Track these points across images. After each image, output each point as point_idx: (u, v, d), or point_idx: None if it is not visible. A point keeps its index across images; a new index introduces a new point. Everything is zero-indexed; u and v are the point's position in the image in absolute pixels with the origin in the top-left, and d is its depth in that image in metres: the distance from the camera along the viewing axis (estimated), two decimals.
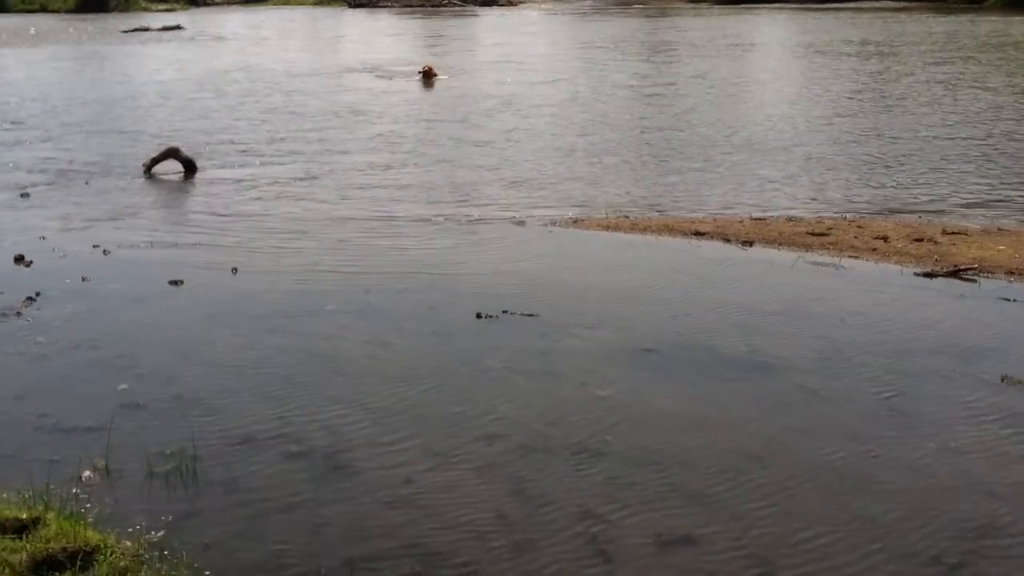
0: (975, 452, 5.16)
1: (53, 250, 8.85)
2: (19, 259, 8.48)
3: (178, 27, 46.48)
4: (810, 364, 6.26)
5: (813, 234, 9.17)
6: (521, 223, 9.87)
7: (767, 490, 4.77)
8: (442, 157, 13.49)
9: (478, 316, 7.08)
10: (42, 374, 6.12)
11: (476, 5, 76.78)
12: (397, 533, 4.42)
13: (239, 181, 11.99)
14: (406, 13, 67.01)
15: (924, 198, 10.81)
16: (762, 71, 25.13)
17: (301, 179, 12.09)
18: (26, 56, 32.58)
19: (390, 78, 22.91)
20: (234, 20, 56.90)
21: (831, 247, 8.80)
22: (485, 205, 10.63)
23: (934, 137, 14.34)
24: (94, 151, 14.11)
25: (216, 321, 7.07)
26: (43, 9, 68.93)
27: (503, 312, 7.13)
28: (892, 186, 11.42)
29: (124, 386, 5.89)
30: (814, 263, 8.41)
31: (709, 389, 5.92)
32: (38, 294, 7.51)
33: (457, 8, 74.31)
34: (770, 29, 41.87)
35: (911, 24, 39.46)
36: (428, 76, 22.96)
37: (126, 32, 43.56)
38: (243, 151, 13.96)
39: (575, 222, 9.92)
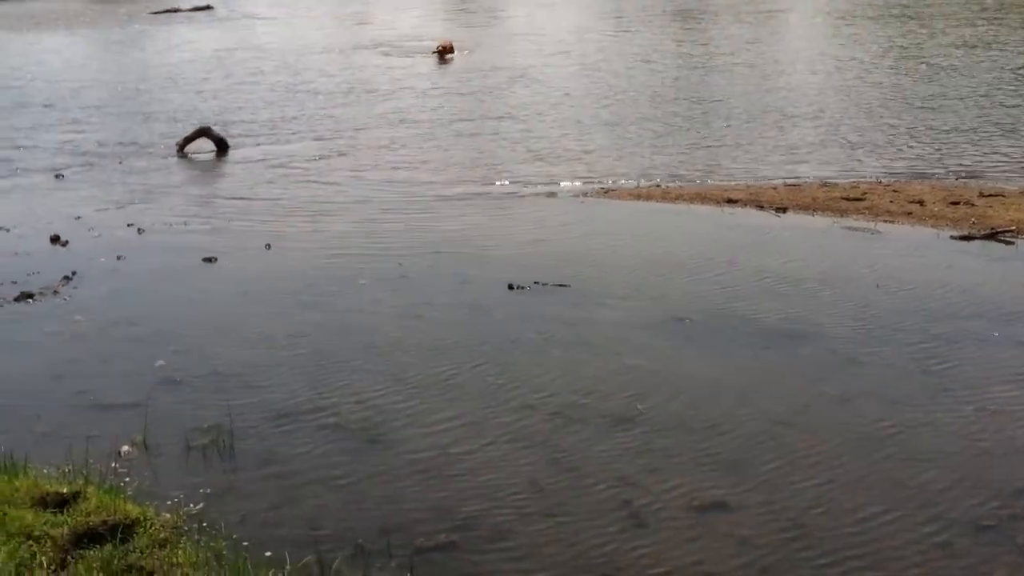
0: (1013, 414, 5.10)
1: (88, 230, 8.93)
2: (55, 239, 8.57)
3: (208, 7, 46.55)
4: (846, 330, 6.21)
5: (848, 199, 9.06)
6: (552, 195, 9.84)
7: (803, 456, 4.74)
8: (468, 131, 13.44)
9: (510, 288, 7.08)
10: (80, 352, 6.20)
11: None
12: (432, 503, 4.45)
13: (270, 159, 12.02)
14: None
15: (958, 162, 10.64)
16: (788, 38, 24.84)
17: (330, 157, 12.10)
18: (57, 38, 32.82)
19: (409, 56, 22.57)
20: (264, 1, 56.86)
21: (866, 212, 8.70)
22: (514, 178, 10.59)
23: (962, 100, 14.08)
24: (126, 132, 14.19)
25: (250, 297, 7.12)
26: None
27: (535, 283, 7.12)
28: (925, 150, 11.24)
29: (161, 362, 5.95)
30: (849, 228, 8.32)
31: (743, 357, 5.89)
32: (74, 273, 7.59)
33: None
34: None
35: None
36: (444, 53, 22.17)
37: (156, 13, 43.72)
38: (273, 130, 13.98)
39: (606, 192, 9.87)
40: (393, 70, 20.17)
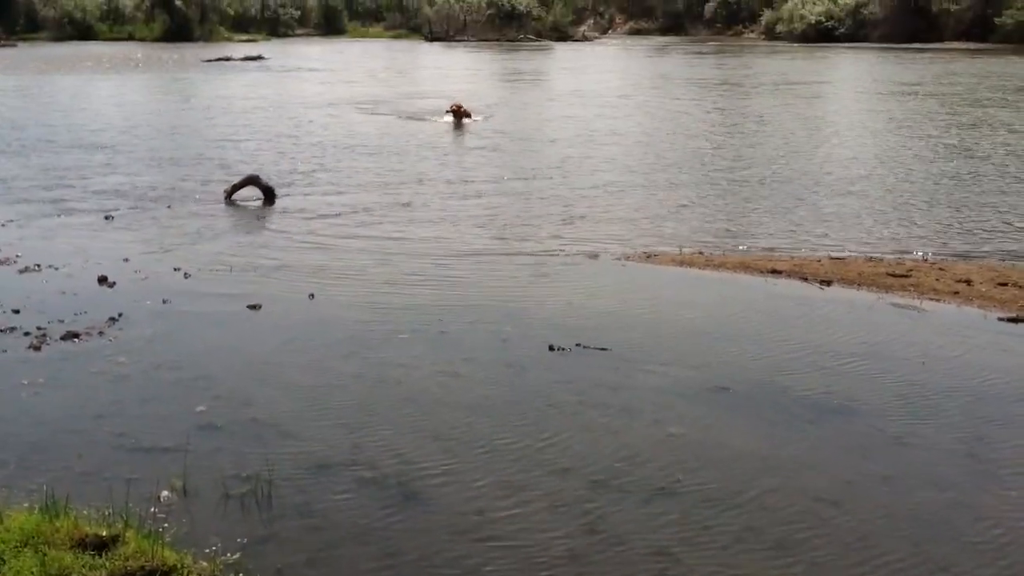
0: None
1: (135, 272, 9.04)
2: (103, 280, 8.68)
3: (259, 57, 47.56)
4: (890, 408, 6.13)
5: (893, 275, 8.99)
6: (594, 256, 9.85)
7: (846, 536, 4.66)
8: (510, 191, 13.54)
9: (551, 348, 7.06)
10: (123, 394, 6.24)
11: (551, 40, 77.39)
12: (467, 566, 4.40)
13: (316, 209, 12.16)
14: (481, 47, 67.69)
15: (1006, 243, 10.55)
16: (835, 111, 24.90)
17: (375, 210, 12.22)
18: (113, 83, 33.56)
19: (422, 119, 21.98)
20: (313, 52, 57.98)
21: (912, 289, 8.62)
22: (556, 238, 10.62)
23: (1013, 182, 14.01)
24: (176, 177, 14.44)
25: (292, 346, 7.15)
26: (130, 37, 71.14)
27: (576, 345, 7.10)
28: (973, 229, 11.16)
29: (202, 408, 5.97)
30: (894, 305, 8.25)
31: (786, 430, 5.82)
32: (120, 315, 7.67)
33: (532, 42, 74.90)
34: (846, 69, 41.51)
35: (993, 65, 38.81)
36: (458, 116, 20.83)
37: (209, 61, 44.68)
38: (320, 181, 14.17)
39: (648, 257, 9.87)
40: (432, 127, 20.41)
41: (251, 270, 9.28)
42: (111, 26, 74.26)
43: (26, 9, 72.27)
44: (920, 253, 10.04)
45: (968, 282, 8.78)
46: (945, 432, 5.79)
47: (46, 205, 12.20)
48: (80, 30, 72.19)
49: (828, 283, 8.82)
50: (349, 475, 5.21)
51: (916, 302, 8.30)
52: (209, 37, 71.24)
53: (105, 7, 75.89)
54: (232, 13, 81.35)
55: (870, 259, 9.74)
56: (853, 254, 9.98)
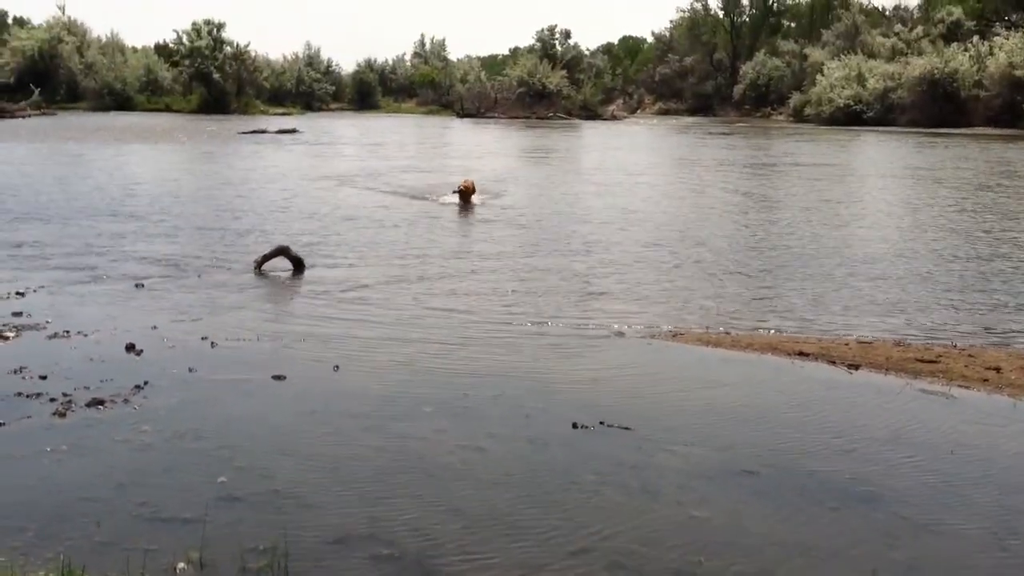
0: None
1: (163, 340, 9.10)
2: (130, 348, 8.74)
3: (293, 130, 48.39)
4: (918, 495, 6.03)
5: (922, 361, 8.91)
6: (620, 334, 9.83)
7: None
8: (533, 266, 13.58)
9: (574, 426, 7.03)
10: (145, 462, 6.24)
11: (580, 119, 78.35)
12: None
13: (344, 281, 12.24)
14: (511, 124, 68.50)
15: None
16: (861, 193, 24.94)
17: (402, 283, 12.29)
18: (149, 153, 34.17)
19: (443, 194, 21.19)
20: (345, 126, 58.93)
21: (941, 375, 8.53)
22: (581, 314, 10.62)
23: None
24: (207, 246, 14.62)
25: (315, 417, 7.15)
26: (168, 109, 72.66)
27: (599, 423, 7.06)
28: (1003, 317, 11.08)
29: (223, 479, 5.96)
30: (923, 391, 8.16)
31: (811, 516, 5.73)
32: (146, 383, 7.71)
33: (562, 120, 75.82)
34: (872, 152, 41.65)
35: (1011, 151, 38.82)
36: (465, 196, 19.57)
37: (244, 133, 45.46)
38: (348, 253, 14.29)
39: (674, 336, 9.84)
40: (454, 202, 20.58)
41: (277, 340, 9.33)
42: (149, 97, 75.94)
43: (67, 79, 74.06)
44: (949, 339, 9.95)
45: (998, 369, 8.69)
46: (974, 522, 5.68)
47: (78, 272, 12.35)
48: (119, 101, 73.85)
49: (856, 367, 8.75)
50: (367, 550, 5.16)
51: (945, 389, 8.21)
52: (245, 110, 72.68)
53: (144, 79, 77.70)
54: (268, 87, 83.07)
55: (898, 343, 9.67)
56: (881, 338, 9.91)
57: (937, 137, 50.58)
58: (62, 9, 79.68)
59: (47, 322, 9.60)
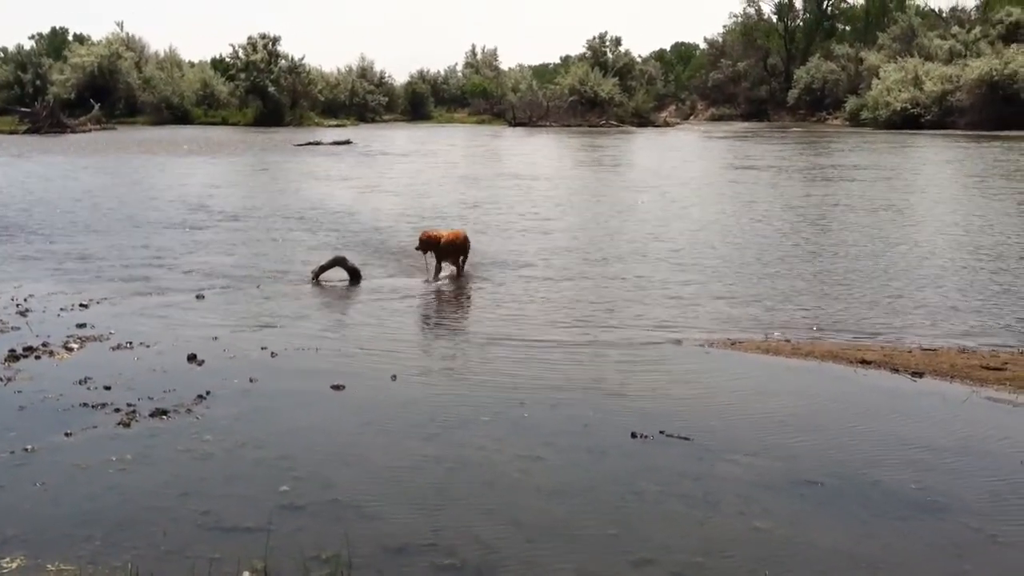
0: None
1: (224, 350, 9.21)
2: (192, 358, 8.86)
3: (347, 142, 48.84)
4: (986, 506, 5.90)
5: (988, 368, 8.73)
6: (678, 343, 9.76)
7: None
8: (590, 275, 13.55)
9: (632, 435, 6.98)
10: (208, 472, 6.30)
11: (633, 126, 78.12)
12: None
13: (400, 291, 12.30)
14: (563, 132, 68.48)
15: None
16: (922, 198, 24.54)
17: (456, 292, 12.33)
18: (206, 166, 34.67)
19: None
20: (399, 136, 59.32)
21: (1007, 382, 8.35)
22: (638, 323, 10.56)
23: None
24: (265, 257, 14.79)
25: (374, 427, 7.18)
26: (224, 122, 73.68)
27: (659, 433, 7.00)
28: None
29: (284, 488, 6.01)
30: (989, 399, 7.99)
31: (876, 527, 5.63)
32: (208, 393, 7.80)
33: (614, 127, 75.64)
34: (933, 155, 41.00)
35: None
36: (437, 249, 13.11)
37: (299, 145, 45.96)
38: (403, 263, 14.35)
39: (733, 344, 9.74)
40: (522, 203, 20.58)
41: (336, 350, 9.39)
42: (206, 111, 77.08)
43: (126, 94, 75.43)
44: (1016, 345, 9.74)
45: None
46: None
47: (140, 283, 12.56)
48: (177, 115, 75.06)
49: (920, 375, 8.59)
50: (427, 559, 5.16)
51: (1012, 396, 8.03)
52: (300, 122, 73.45)
53: (201, 93, 78.88)
54: (322, 99, 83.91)
55: (963, 351, 9.48)
56: (945, 345, 9.73)
57: (997, 140, 49.65)
58: (121, 26, 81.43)
59: (110, 333, 9.77)
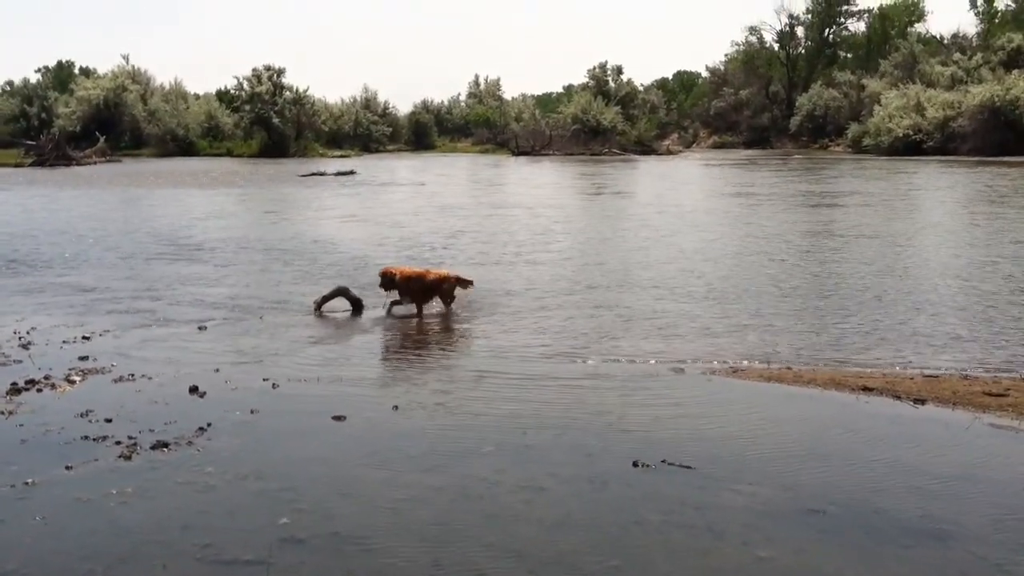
0: None
1: (226, 382, 9.21)
2: (193, 390, 8.85)
3: (351, 172, 49.02)
4: (990, 534, 5.86)
5: (990, 394, 8.70)
6: (679, 370, 9.74)
7: None
8: (590, 302, 13.54)
9: (635, 464, 6.95)
10: (208, 504, 6.28)
11: (635, 154, 78.33)
12: None
13: (403, 320, 12.30)
14: (566, 161, 68.67)
15: None
16: (922, 226, 24.55)
17: (458, 321, 12.32)
18: (211, 197, 34.81)
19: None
20: (402, 166, 59.54)
21: (1010, 409, 8.32)
22: (640, 351, 10.55)
23: None
24: (267, 289, 14.81)
25: (376, 458, 7.16)
26: (229, 153, 74.12)
27: (661, 462, 6.97)
28: None
29: (285, 520, 5.98)
30: (992, 425, 7.96)
31: (880, 556, 5.59)
32: (209, 425, 7.79)
33: (617, 156, 75.85)
34: (934, 182, 41.06)
35: None
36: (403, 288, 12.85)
37: (303, 176, 46.15)
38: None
39: (735, 371, 9.72)
40: (520, 229, 20.61)
41: (338, 381, 9.38)
42: (211, 142, 77.53)
43: (131, 126, 75.91)
44: (1018, 371, 9.71)
45: None
46: None
47: (142, 315, 12.58)
48: (182, 146, 75.54)
49: (922, 402, 8.56)
50: None
51: (1015, 423, 8.00)
52: (304, 153, 73.86)
53: (206, 124, 79.36)
54: (326, 130, 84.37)
55: (965, 377, 9.46)
56: (947, 371, 9.71)
57: (1000, 166, 49.73)
58: (126, 59, 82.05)
59: (112, 365, 9.77)
